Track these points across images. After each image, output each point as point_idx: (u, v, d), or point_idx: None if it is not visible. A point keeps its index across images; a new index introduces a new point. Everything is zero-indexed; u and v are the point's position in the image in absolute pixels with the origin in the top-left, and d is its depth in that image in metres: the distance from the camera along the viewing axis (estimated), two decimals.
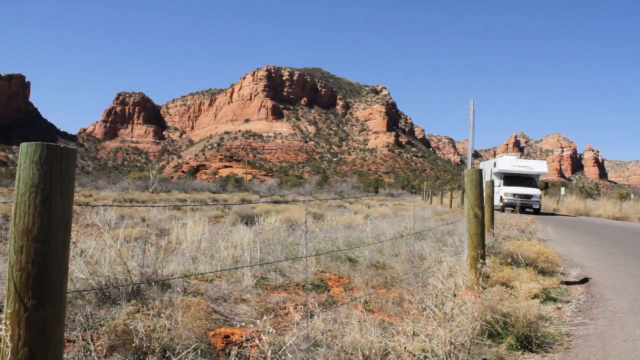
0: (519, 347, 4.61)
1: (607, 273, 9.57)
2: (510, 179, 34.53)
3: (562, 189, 55.08)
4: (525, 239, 11.44)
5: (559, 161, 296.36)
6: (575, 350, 4.73)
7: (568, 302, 6.95)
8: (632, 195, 50.14)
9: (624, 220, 30.99)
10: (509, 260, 7.99)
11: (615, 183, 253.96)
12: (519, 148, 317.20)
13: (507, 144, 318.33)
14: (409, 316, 4.40)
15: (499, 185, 34.08)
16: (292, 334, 3.95)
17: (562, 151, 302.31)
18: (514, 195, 32.99)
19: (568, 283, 8.27)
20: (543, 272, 8.40)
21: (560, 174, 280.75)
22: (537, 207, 33.50)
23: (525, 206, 32.06)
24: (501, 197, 33.61)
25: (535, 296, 5.94)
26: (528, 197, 33.14)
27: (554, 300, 6.89)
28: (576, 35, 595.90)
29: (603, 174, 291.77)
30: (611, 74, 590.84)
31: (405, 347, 3.91)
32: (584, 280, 8.62)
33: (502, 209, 32.75)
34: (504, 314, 4.87)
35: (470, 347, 4.24)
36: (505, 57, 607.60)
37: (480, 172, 6.64)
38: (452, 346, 4.00)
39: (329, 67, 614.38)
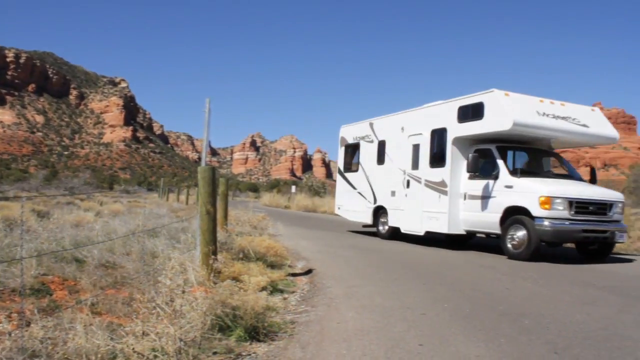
0: (248, 338, 4.80)
1: (329, 264, 10.50)
2: (521, 153, 14.09)
3: (293, 187, 58.77)
4: (257, 235, 11.96)
5: (292, 161, 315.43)
6: (298, 336, 5.10)
7: (294, 292, 7.45)
8: None
9: None
10: (241, 255, 8.27)
11: None
12: (255, 147, 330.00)
13: (244, 143, 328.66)
14: (139, 316, 4.30)
15: (482, 175, 13.20)
16: (3, 347, 3.57)
17: (295, 152, 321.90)
18: (579, 207, 11.80)
19: (295, 275, 8.87)
20: (272, 266, 8.88)
21: (292, 173, 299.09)
22: (622, 239, 12.46)
23: (597, 240, 12.18)
24: (529, 217, 11.78)
25: (264, 288, 6.24)
26: (604, 208, 12.20)
27: (281, 291, 7.33)
28: (298, 40, 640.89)
29: (329, 174, 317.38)
30: (332, 79, 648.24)
31: (133, 348, 3.81)
32: (309, 272, 9.32)
33: (533, 252, 11.62)
34: (234, 307, 5.02)
35: (201, 342, 4.29)
36: (241, 59, 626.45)
37: (213, 169, 6.72)
38: (182, 343, 4.01)
39: (63, 52, 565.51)
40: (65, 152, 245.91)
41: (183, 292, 4.52)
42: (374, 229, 17.56)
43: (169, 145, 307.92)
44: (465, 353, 4.58)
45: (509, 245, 12.12)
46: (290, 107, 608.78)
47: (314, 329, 5.35)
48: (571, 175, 13.66)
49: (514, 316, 6.06)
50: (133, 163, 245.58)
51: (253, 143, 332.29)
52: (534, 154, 14.24)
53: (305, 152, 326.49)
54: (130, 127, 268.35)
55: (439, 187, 14.10)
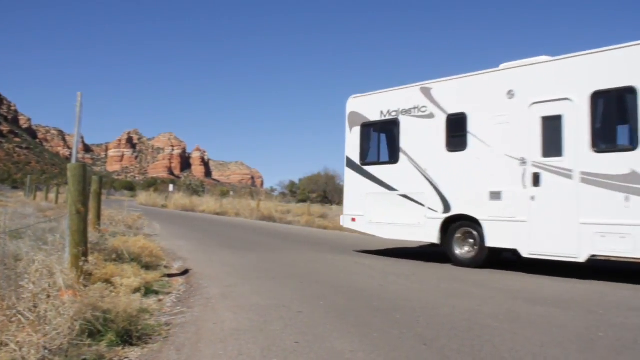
0: (120, 342, 4.64)
1: (205, 264, 10.39)
2: None
3: (171, 186, 57.63)
4: (132, 235, 11.60)
5: (170, 159, 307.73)
6: (173, 338, 5.01)
7: (169, 293, 7.30)
8: (231, 193, 55.61)
9: (223, 215, 34.09)
10: (114, 256, 7.98)
11: (218, 181, 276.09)
12: (131, 144, 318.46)
13: (120, 140, 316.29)
14: None
15: None
16: None
17: (173, 150, 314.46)
18: None
19: (171, 275, 8.70)
20: (148, 267, 8.64)
21: (170, 171, 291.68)
22: None
23: None
24: None
25: (137, 290, 6.07)
26: None
27: (157, 292, 7.15)
28: (180, 38, 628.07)
29: (208, 173, 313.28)
30: (213, 75, 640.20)
31: None
32: (185, 272, 9.19)
33: None
34: (105, 311, 4.84)
35: (69, 349, 4.09)
36: (116, 52, 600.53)
37: (84, 166, 6.41)
38: (47, 351, 3.82)
39: None
40: None
41: (48, 296, 4.28)
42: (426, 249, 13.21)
43: (38, 141, 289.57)
44: (340, 349, 4.70)
45: None
46: (169, 103, 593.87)
47: (189, 331, 5.27)
48: None
49: (387, 311, 6.31)
50: None
51: (129, 140, 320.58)
52: None
53: (184, 150, 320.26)
54: None
55: (625, 184, 8.91)
